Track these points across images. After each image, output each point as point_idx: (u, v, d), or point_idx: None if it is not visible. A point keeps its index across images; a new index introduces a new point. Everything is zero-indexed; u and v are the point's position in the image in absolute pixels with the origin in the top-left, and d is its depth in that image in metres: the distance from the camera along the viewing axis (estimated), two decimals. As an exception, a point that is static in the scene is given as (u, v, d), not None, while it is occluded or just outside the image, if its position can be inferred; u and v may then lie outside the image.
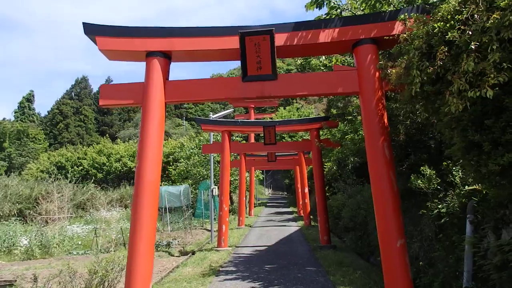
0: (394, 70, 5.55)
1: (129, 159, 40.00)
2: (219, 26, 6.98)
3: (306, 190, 22.76)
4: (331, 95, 9.88)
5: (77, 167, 40.80)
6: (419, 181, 6.64)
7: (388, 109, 7.04)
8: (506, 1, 3.61)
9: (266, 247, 13.77)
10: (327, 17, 7.90)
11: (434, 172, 6.58)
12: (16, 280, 8.12)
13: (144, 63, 6.98)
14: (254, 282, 8.29)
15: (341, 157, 15.67)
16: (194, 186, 26.24)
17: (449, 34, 4.15)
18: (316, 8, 7.86)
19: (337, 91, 7.20)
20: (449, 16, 4.36)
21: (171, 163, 32.78)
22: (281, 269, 9.58)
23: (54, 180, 21.10)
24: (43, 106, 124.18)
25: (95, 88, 74.75)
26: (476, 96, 3.77)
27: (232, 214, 25.06)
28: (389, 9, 7.46)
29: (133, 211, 6.51)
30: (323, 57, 9.71)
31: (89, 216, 21.32)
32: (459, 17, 4.19)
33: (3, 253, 13.91)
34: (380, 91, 6.43)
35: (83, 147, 49.36)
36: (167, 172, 31.88)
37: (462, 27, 4.10)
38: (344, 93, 7.96)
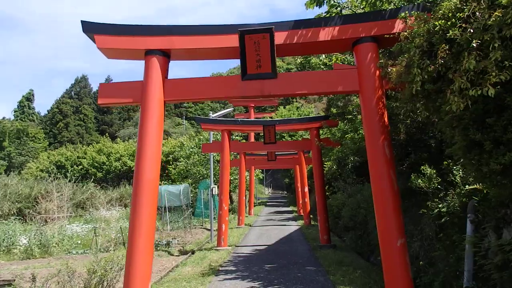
0: (394, 69, 5.51)
1: (128, 158, 39.98)
2: (218, 24, 6.96)
3: (306, 189, 22.74)
4: (331, 93, 9.85)
5: (77, 166, 40.81)
6: (419, 180, 6.61)
7: (388, 108, 7.01)
8: (508, -1, 3.58)
9: (266, 246, 13.75)
10: (327, 15, 7.87)
11: (434, 171, 6.55)
12: (15, 280, 8.09)
13: (143, 61, 6.95)
14: (254, 282, 8.27)
15: (341, 156, 15.62)
16: (193, 185, 26.22)
17: (450, 32, 4.11)
18: (316, 6, 7.83)
19: (337, 90, 7.17)
20: (450, 14, 4.32)
21: (170, 162, 32.76)
22: (281, 269, 9.56)
23: (54, 179, 21.08)
24: (43, 105, 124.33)
25: (94, 87, 74.78)
26: (477, 94, 3.74)
27: (232, 213, 25.04)
28: (390, 7, 7.42)
29: (132, 209, 6.48)
30: (323, 55, 9.69)
31: (89, 215, 21.29)
32: (460, 15, 4.16)
33: (2, 253, 13.88)
34: (380, 90, 6.40)
35: (82, 146, 49.39)
36: (166, 171, 31.85)
37: (463, 25, 4.06)
38: (344, 92, 7.93)
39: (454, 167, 6.47)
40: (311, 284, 7.97)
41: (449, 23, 4.27)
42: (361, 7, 8.13)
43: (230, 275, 9.09)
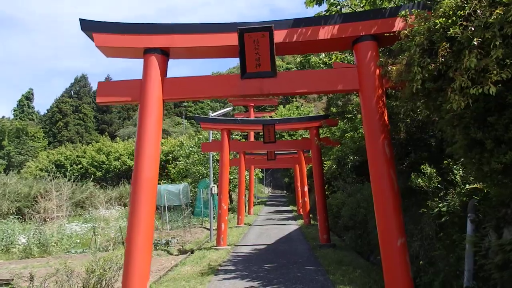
0: (394, 67, 5.49)
1: (128, 157, 39.95)
2: (217, 22, 6.91)
3: (306, 188, 22.71)
4: (331, 92, 9.83)
5: (76, 165, 40.79)
6: (419, 180, 6.58)
7: (388, 107, 6.99)
8: (509, -4, 3.55)
9: (266, 245, 13.73)
10: (327, 14, 7.83)
11: (434, 170, 6.52)
12: (13, 279, 8.07)
13: (142, 60, 6.91)
14: (253, 281, 8.24)
15: (340, 155, 15.60)
16: (193, 184, 26.19)
17: (451, 30, 4.09)
18: (316, 4, 7.80)
19: (337, 89, 7.14)
20: (451, 12, 4.29)
21: (170, 162, 32.74)
22: (281, 268, 9.53)
23: (53, 178, 21.04)
24: (42, 105, 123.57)
25: (94, 87, 74.61)
26: (478, 93, 3.71)
27: (232, 213, 25.02)
28: (390, 6, 7.39)
29: (131, 208, 6.45)
30: (323, 54, 9.66)
31: (88, 214, 21.27)
32: (461, 12, 4.13)
33: (1, 252, 13.87)
34: (380, 89, 6.37)
35: (82, 145, 49.37)
36: (166, 170, 31.83)
37: (464, 23, 4.03)
38: (344, 91, 7.91)
39: (454, 166, 6.44)
40: (311, 283, 7.95)
41: (449, 21, 4.24)
42: (361, 5, 8.10)
43: (230, 274, 9.06)
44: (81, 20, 6.77)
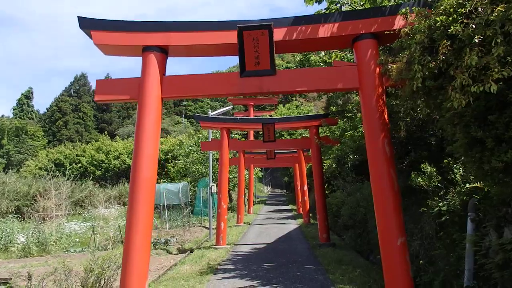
0: (395, 65, 5.46)
1: (128, 156, 39.88)
2: (216, 20, 6.87)
3: (306, 188, 22.69)
4: (330, 91, 9.78)
5: (76, 164, 40.75)
6: (419, 179, 6.55)
7: (388, 106, 6.96)
8: (511, -7, 3.51)
9: (265, 245, 13.70)
10: (327, 12, 7.79)
11: (434, 169, 6.50)
12: (11, 278, 8.02)
13: (141, 58, 6.87)
14: (253, 281, 8.21)
15: (340, 154, 15.58)
16: (192, 183, 26.17)
17: (452, 27, 4.06)
18: (316, 3, 7.75)
19: (337, 87, 7.10)
20: (451, 10, 4.26)
21: (170, 161, 32.72)
22: (280, 267, 9.51)
23: (52, 177, 20.99)
24: (42, 104, 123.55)
25: (94, 85, 73.99)
26: (479, 91, 3.69)
27: (231, 212, 25.01)
28: (390, 4, 7.35)
29: (129, 207, 6.42)
30: (323, 53, 9.62)
31: (87, 213, 21.23)
32: (462, 10, 4.10)
33: (0, 251, 13.82)
34: (380, 87, 6.34)
35: (81, 144, 49.29)
36: (165, 169, 31.81)
37: (465, 21, 4.01)
38: (344, 89, 7.86)
39: (455, 165, 6.42)
40: (310, 283, 7.92)
41: (450, 18, 4.22)
42: (361, 3, 8.06)
43: (229, 273, 9.04)
44: (79, 18, 6.73)
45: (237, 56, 6.68)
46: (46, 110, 71.88)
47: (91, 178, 29.30)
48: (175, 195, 22.13)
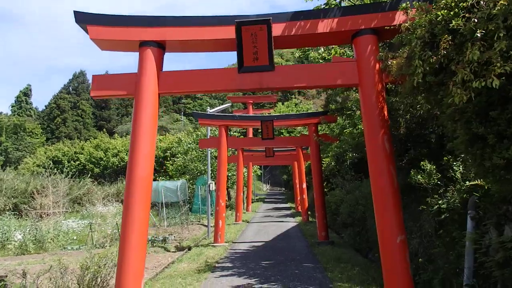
0: (395, 61, 5.39)
1: (126, 154, 39.77)
2: (214, 15, 6.78)
3: (304, 185, 22.64)
4: (330, 87, 9.71)
5: (74, 161, 40.63)
6: (419, 176, 6.50)
7: (388, 103, 6.89)
8: (514, -13, 3.44)
9: (263, 243, 13.65)
10: (326, 7, 7.71)
11: (434, 167, 6.44)
12: (7, 276, 7.95)
13: (138, 53, 6.78)
14: (251, 278, 8.16)
15: (339, 152, 15.53)
16: (191, 181, 26.12)
17: (453, 22, 3.99)
18: (315, -2, 7.66)
19: (336, 83, 7.02)
20: (453, 4, 4.19)
21: (168, 158, 32.62)
22: (278, 265, 9.46)
23: (50, 174, 20.90)
24: (41, 102, 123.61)
25: (92, 83, 74.10)
26: (481, 86, 3.62)
27: (230, 210, 24.96)
28: (390, -1, 7.26)
29: (125, 205, 6.34)
30: (322, 49, 9.55)
31: (85, 211, 21.16)
32: (464, 4, 4.03)
33: (-3, 248, 13.76)
34: (380, 83, 6.27)
35: (80, 141, 49.11)
36: (164, 167, 31.73)
37: (467, 15, 3.94)
38: (343, 85, 7.79)
39: (454, 163, 6.36)
40: (309, 281, 7.87)
41: (452, 13, 4.14)
42: (361, -1, 7.98)
43: (227, 271, 8.98)
44: (75, 12, 6.64)
45: (235, 51, 6.60)
46: (44, 107, 71.70)
47: (89, 175, 29.24)
48: (173, 193, 22.08)
